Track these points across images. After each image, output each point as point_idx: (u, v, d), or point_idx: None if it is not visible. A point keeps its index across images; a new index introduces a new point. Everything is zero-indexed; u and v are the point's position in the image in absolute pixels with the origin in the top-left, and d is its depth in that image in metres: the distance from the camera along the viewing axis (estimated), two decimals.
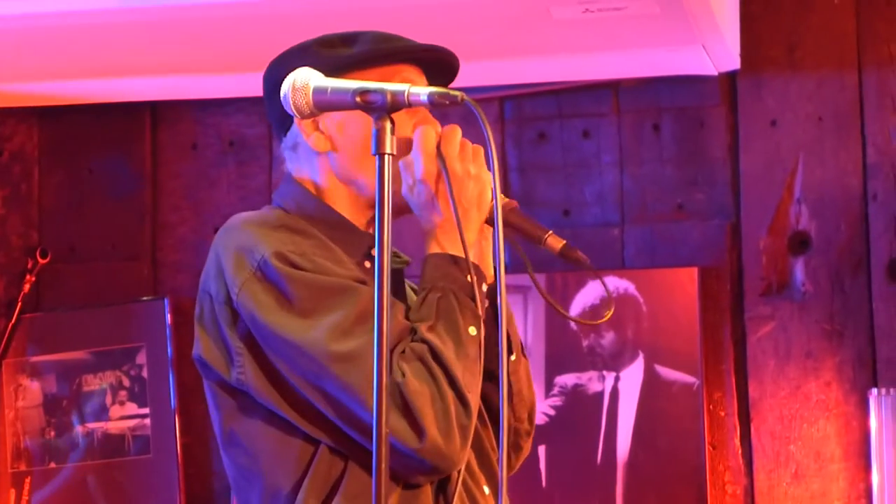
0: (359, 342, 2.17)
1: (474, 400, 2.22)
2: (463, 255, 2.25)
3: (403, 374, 2.16)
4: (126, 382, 4.31)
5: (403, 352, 2.20)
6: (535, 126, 4.23)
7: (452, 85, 2.37)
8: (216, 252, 2.31)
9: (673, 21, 3.61)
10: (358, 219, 2.37)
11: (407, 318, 2.26)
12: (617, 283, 4.05)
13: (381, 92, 1.92)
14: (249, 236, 2.27)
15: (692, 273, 4.03)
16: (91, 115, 4.44)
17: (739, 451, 4.02)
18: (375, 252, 2.20)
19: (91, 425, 4.33)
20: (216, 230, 4.37)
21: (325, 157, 2.36)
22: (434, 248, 2.29)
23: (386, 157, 1.90)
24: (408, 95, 1.92)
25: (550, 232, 2.32)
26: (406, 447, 2.17)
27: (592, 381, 4.02)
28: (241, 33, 3.74)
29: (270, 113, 2.38)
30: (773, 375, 4.01)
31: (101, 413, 4.32)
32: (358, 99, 1.93)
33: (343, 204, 2.36)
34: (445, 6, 3.55)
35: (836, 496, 3.95)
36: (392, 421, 2.14)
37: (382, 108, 1.93)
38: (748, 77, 4.08)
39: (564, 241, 2.31)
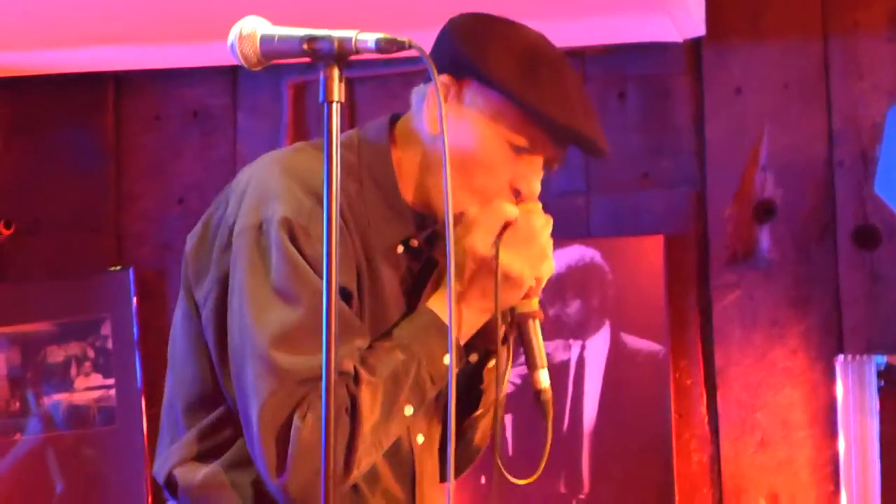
0: (292, 361, 2.08)
1: (360, 472, 2.14)
2: (454, 331, 2.06)
3: (303, 419, 2.07)
4: (91, 354, 4.29)
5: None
6: None
7: None
8: (250, 176, 2.21)
9: None
10: (408, 198, 2.28)
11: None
12: (583, 252, 4.04)
13: (329, 39, 1.90)
14: (278, 186, 2.16)
15: (658, 241, 4.02)
16: (54, 86, 4.41)
17: (705, 420, 4.02)
18: (416, 241, 2.24)
19: (56, 396, 4.31)
20: (180, 201, 4.42)
21: (430, 134, 2.25)
22: (433, 305, 2.22)
23: (334, 105, 1.88)
24: (355, 42, 1.90)
25: (545, 367, 2.23)
26: (264, 473, 2.10)
27: (558, 350, 4.01)
28: (205, 1, 3.72)
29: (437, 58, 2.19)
30: (739, 343, 4.00)
31: (66, 384, 4.30)
32: (305, 46, 1.90)
33: (408, 180, 2.27)
34: None
35: (802, 463, 3.95)
36: (264, 446, 2.07)
37: (330, 56, 1.90)
38: (713, 45, 4.07)
39: (546, 387, 2.23)
